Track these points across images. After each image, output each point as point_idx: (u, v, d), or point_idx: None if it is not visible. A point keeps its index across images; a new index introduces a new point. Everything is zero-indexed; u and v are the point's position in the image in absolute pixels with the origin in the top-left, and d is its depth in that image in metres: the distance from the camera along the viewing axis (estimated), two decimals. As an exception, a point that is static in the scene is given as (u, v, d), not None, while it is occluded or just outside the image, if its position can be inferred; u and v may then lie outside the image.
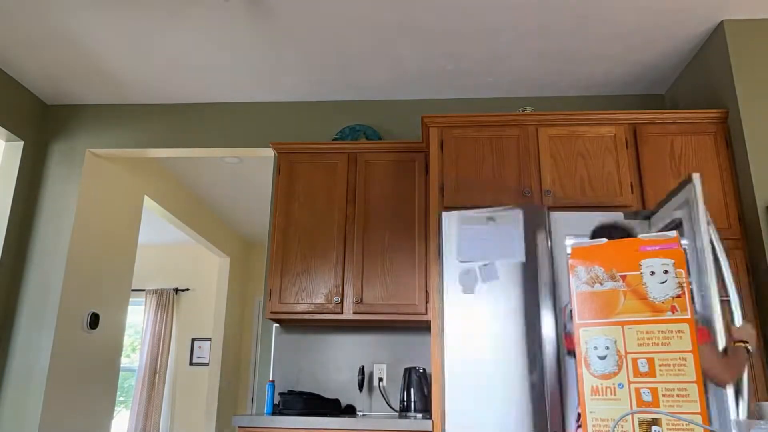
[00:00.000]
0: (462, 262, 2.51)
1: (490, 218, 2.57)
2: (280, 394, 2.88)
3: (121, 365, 4.79)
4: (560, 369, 2.33)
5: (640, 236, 1.26)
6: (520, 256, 2.44)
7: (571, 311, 1.76)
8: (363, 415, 3.01)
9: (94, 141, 3.80)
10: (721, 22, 2.95)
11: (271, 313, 3.06)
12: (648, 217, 2.58)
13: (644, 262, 1.24)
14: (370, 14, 2.92)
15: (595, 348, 1.24)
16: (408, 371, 3.02)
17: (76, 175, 3.71)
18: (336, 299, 3.03)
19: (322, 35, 3.10)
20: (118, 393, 6.12)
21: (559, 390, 2.30)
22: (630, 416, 1.16)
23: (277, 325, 3.33)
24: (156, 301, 6.76)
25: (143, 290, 6.80)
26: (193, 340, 6.76)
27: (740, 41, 2.91)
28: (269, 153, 3.73)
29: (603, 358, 1.24)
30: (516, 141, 2.93)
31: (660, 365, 1.18)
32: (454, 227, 2.57)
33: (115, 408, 4.51)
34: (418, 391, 2.96)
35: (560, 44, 3.15)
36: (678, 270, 1.21)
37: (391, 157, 3.25)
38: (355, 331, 3.30)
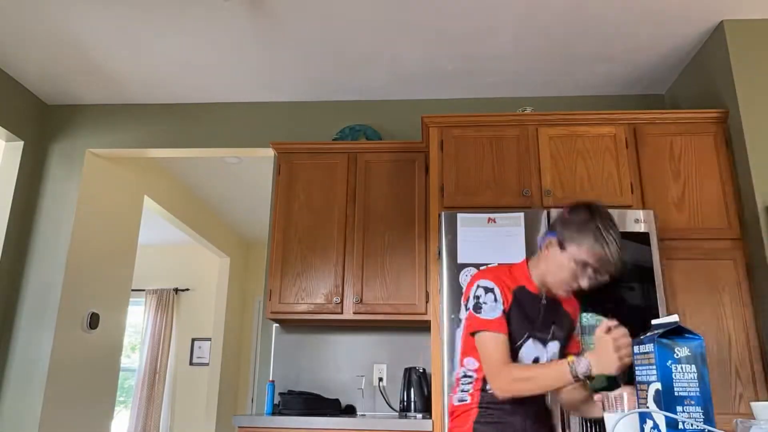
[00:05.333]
0: (462, 262, 2.51)
1: (490, 218, 2.57)
2: (280, 394, 2.89)
3: (121, 365, 4.79)
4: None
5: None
6: (520, 257, 2.44)
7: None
8: (363, 415, 3.01)
9: (94, 141, 3.80)
10: (721, 22, 2.95)
11: (271, 313, 3.06)
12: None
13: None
14: (370, 14, 2.92)
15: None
16: (408, 371, 3.02)
17: (76, 175, 3.71)
18: (336, 299, 3.03)
19: (322, 35, 3.10)
20: (118, 393, 6.12)
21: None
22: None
23: (277, 325, 3.33)
24: (156, 301, 6.76)
25: (143, 290, 6.80)
26: (193, 340, 6.76)
27: (740, 41, 2.91)
28: (269, 153, 3.73)
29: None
30: (516, 141, 2.93)
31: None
32: (454, 227, 2.57)
33: (115, 408, 4.51)
34: (418, 391, 2.96)
35: (560, 44, 3.15)
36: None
37: (391, 157, 3.25)
38: (355, 331, 3.30)
